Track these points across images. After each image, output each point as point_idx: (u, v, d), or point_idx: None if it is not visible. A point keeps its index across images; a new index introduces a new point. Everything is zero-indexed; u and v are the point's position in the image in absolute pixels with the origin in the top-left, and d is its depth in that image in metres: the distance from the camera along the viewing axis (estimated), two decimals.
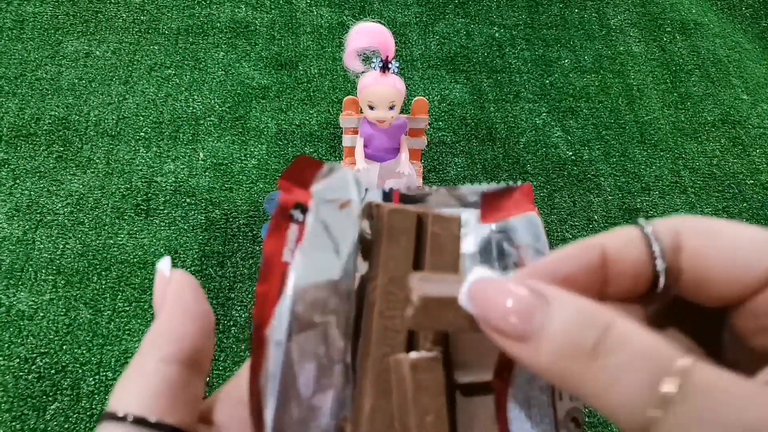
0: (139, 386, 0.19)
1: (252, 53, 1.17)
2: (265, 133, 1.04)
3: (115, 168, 0.97)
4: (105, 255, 0.87)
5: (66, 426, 0.72)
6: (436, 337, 0.21)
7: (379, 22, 0.77)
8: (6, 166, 0.96)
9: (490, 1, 1.32)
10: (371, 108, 0.80)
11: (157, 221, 0.91)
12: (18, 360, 0.77)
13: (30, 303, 0.81)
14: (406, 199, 0.24)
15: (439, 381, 0.20)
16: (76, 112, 1.04)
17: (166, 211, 0.92)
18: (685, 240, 0.19)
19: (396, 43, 0.78)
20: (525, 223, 0.23)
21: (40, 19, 1.19)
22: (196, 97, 1.09)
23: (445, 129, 1.08)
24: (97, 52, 1.14)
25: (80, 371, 0.76)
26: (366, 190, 0.23)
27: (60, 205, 0.92)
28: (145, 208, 0.92)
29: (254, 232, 0.91)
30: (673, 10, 1.35)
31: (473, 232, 0.24)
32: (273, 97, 1.10)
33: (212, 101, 1.08)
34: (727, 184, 1.05)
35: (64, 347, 0.78)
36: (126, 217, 0.91)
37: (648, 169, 1.05)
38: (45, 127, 1.02)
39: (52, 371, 0.76)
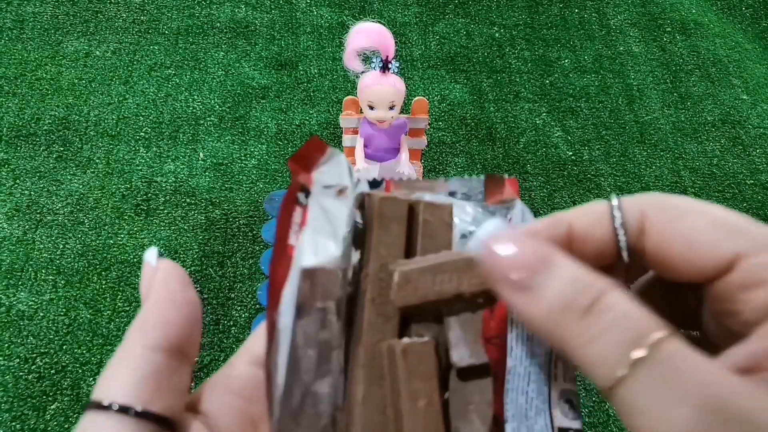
0: (125, 375, 0.18)
1: (252, 53, 1.17)
2: (265, 133, 1.04)
3: (115, 168, 0.97)
4: (105, 255, 0.87)
5: (66, 426, 0.72)
6: (429, 322, 0.21)
7: (379, 22, 0.77)
8: (6, 166, 0.96)
9: (490, 1, 1.32)
10: (371, 108, 0.80)
11: (157, 221, 0.91)
12: (18, 360, 0.77)
13: (30, 303, 0.81)
14: (397, 188, 0.24)
15: (431, 366, 0.20)
16: (76, 112, 1.04)
17: (166, 211, 0.92)
18: (649, 219, 0.19)
19: (396, 43, 0.78)
20: (525, 207, 0.24)
21: (40, 19, 1.19)
22: (196, 97, 1.09)
23: (445, 129, 1.08)
24: (97, 52, 1.14)
25: (80, 371, 0.76)
26: (357, 180, 0.23)
27: (60, 205, 0.92)
28: (145, 208, 0.92)
29: (254, 232, 0.91)
30: (673, 10, 1.35)
31: (463, 218, 0.24)
32: (273, 97, 1.10)
33: (212, 101, 1.08)
34: (727, 184, 1.05)
35: (64, 347, 0.78)
36: (126, 217, 0.91)
37: (648, 169, 1.05)
38: (45, 127, 1.02)
39: (52, 371, 0.76)
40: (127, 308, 0.82)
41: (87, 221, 0.90)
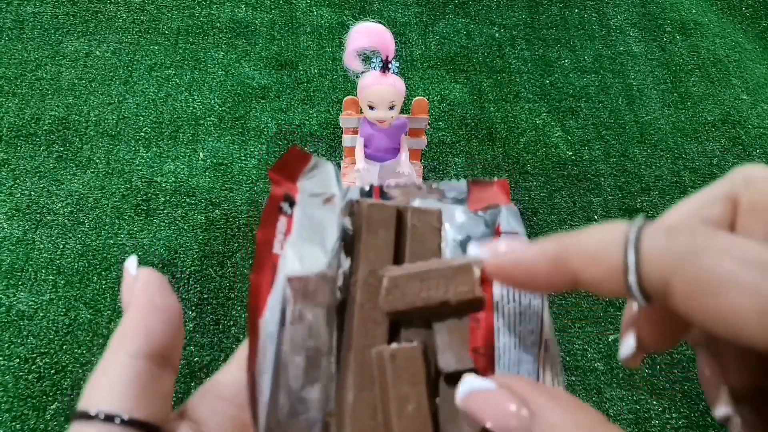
0: (109, 383, 0.19)
1: (252, 53, 1.17)
2: (265, 133, 1.04)
3: (115, 168, 0.97)
4: (105, 255, 0.87)
5: (66, 426, 0.72)
6: (417, 328, 0.21)
7: (379, 22, 0.77)
8: (6, 166, 0.96)
9: (490, 1, 1.32)
10: (371, 108, 0.80)
11: (157, 221, 0.91)
12: (18, 360, 0.77)
13: (30, 303, 0.81)
14: (385, 195, 0.24)
15: (418, 370, 0.20)
16: (76, 112, 1.04)
17: (166, 211, 0.92)
18: (675, 289, 0.16)
19: (396, 43, 0.78)
20: (510, 211, 0.24)
21: (40, 19, 1.19)
22: (196, 97, 1.09)
23: (445, 129, 1.08)
24: (97, 52, 1.14)
25: (80, 371, 0.76)
26: (347, 188, 0.24)
27: (60, 205, 0.92)
28: (145, 208, 0.92)
29: (254, 232, 0.91)
30: (673, 10, 1.35)
31: (453, 222, 0.24)
32: (273, 97, 1.10)
33: (212, 101, 1.08)
34: None
35: (64, 347, 0.78)
36: (126, 217, 0.91)
37: (648, 169, 1.05)
38: (45, 127, 1.02)
39: (52, 371, 0.76)
40: None
41: (87, 221, 0.90)
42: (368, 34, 0.76)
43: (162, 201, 0.93)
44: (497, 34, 1.26)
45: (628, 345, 0.20)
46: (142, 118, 1.05)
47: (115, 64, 1.13)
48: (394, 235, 0.22)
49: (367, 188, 0.24)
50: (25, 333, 0.79)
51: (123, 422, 0.18)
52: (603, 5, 1.34)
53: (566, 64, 1.21)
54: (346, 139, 0.90)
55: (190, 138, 1.02)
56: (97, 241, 0.88)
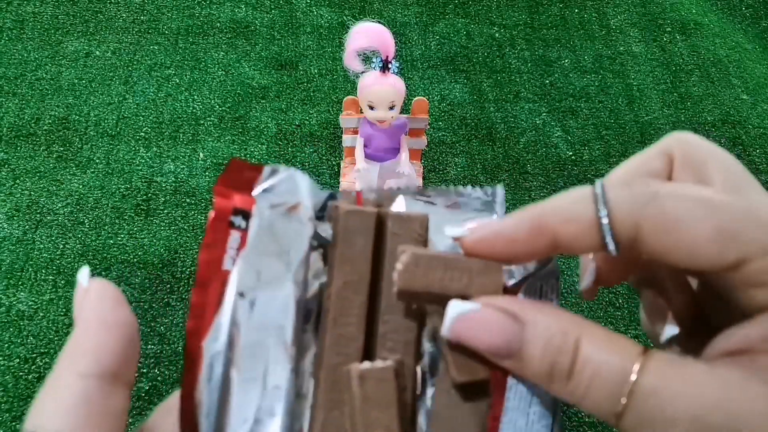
0: (55, 403, 0.18)
1: (252, 53, 1.17)
2: (265, 133, 1.04)
3: (115, 168, 0.97)
4: (105, 255, 0.87)
5: None
6: (396, 344, 0.20)
7: (379, 22, 0.77)
8: (6, 166, 0.96)
9: (490, 1, 1.33)
10: (371, 108, 0.80)
11: (157, 221, 0.91)
12: (18, 360, 0.77)
13: (30, 303, 0.81)
14: (367, 202, 0.22)
15: (389, 393, 0.19)
16: (76, 112, 1.04)
17: (166, 211, 0.92)
18: (644, 231, 0.18)
19: (396, 43, 0.78)
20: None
21: (40, 19, 1.19)
22: (196, 97, 1.09)
23: (445, 129, 1.08)
24: (97, 52, 1.15)
25: None
26: (334, 194, 0.22)
27: (60, 205, 0.92)
28: (145, 208, 0.92)
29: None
30: (673, 10, 1.35)
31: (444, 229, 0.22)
32: (273, 97, 1.10)
33: (212, 101, 1.08)
34: None
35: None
36: (126, 217, 0.91)
37: None
38: (45, 127, 1.02)
39: None
40: None
41: (87, 221, 0.90)
42: (368, 34, 0.76)
43: (162, 201, 0.93)
44: (497, 34, 1.26)
45: (588, 279, 0.23)
46: (142, 118, 1.05)
47: (115, 64, 1.13)
48: (372, 245, 0.21)
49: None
50: (25, 333, 0.79)
51: None
52: (603, 5, 1.34)
53: (566, 64, 1.21)
54: (346, 139, 0.90)
55: (190, 138, 1.02)
56: (97, 241, 0.88)
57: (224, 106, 1.07)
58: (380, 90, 0.78)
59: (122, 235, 0.89)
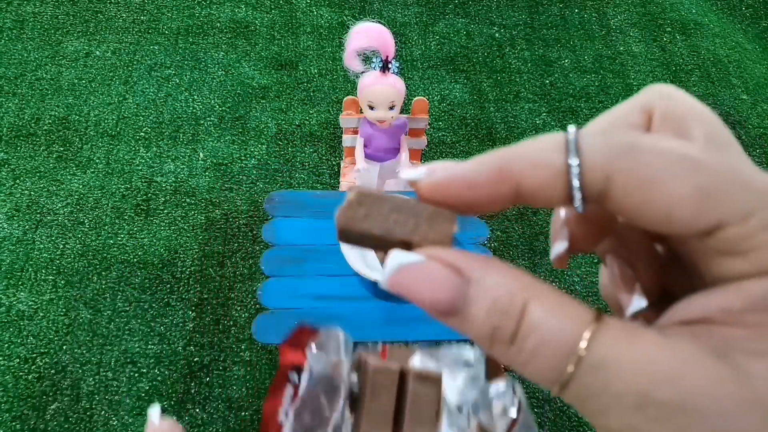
0: None
1: (252, 53, 1.17)
2: (265, 133, 1.04)
3: (115, 168, 0.97)
4: (105, 255, 0.87)
5: (66, 426, 0.72)
6: None
7: (379, 22, 0.77)
8: (6, 166, 0.96)
9: (490, 1, 1.33)
10: (371, 108, 0.80)
11: (157, 221, 0.91)
12: (18, 360, 0.77)
13: (30, 303, 0.81)
14: (391, 356, 0.27)
15: None
16: (76, 112, 1.04)
17: (166, 211, 0.92)
18: (616, 184, 0.17)
19: (396, 43, 0.78)
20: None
21: (40, 19, 1.20)
22: (196, 97, 1.09)
23: (445, 129, 1.08)
24: (97, 52, 1.15)
25: (80, 371, 0.76)
26: (355, 344, 0.26)
27: (60, 205, 0.92)
28: (145, 208, 0.92)
29: (254, 232, 0.91)
30: (673, 10, 1.35)
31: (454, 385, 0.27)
32: (273, 97, 1.10)
33: (212, 101, 1.08)
34: None
35: (64, 347, 0.78)
36: (126, 217, 0.91)
37: None
38: (45, 127, 1.02)
39: (52, 371, 0.76)
40: (127, 308, 0.82)
41: (87, 221, 0.90)
42: (368, 34, 0.76)
43: (162, 201, 0.93)
44: (497, 34, 1.26)
45: (560, 246, 0.21)
46: (142, 118, 1.05)
47: (115, 64, 1.13)
48: (395, 399, 0.24)
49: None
50: (25, 333, 0.79)
51: None
52: (603, 5, 1.34)
53: (566, 64, 1.21)
54: (346, 139, 0.90)
55: (190, 138, 1.02)
56: (97, 241, 0.88)
57: (224, 106, 1.07)
58: (380, 90, 0.78)
59: (122, 235, 0.89)
